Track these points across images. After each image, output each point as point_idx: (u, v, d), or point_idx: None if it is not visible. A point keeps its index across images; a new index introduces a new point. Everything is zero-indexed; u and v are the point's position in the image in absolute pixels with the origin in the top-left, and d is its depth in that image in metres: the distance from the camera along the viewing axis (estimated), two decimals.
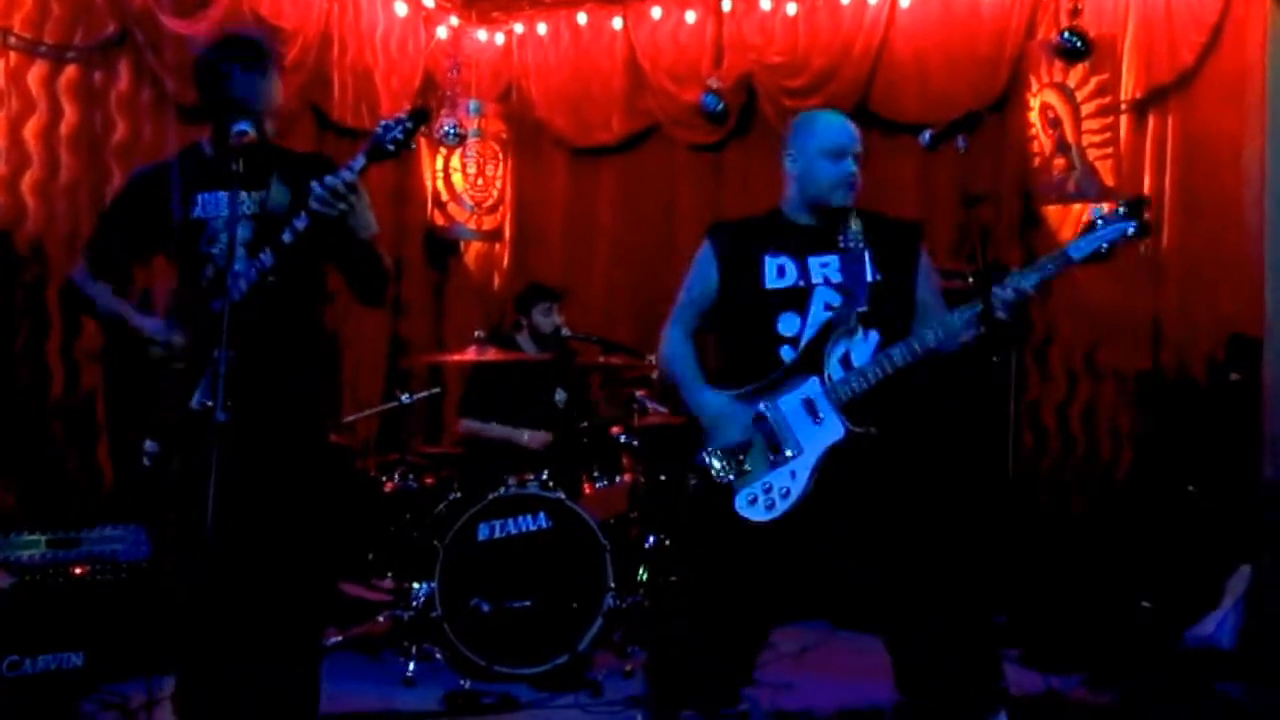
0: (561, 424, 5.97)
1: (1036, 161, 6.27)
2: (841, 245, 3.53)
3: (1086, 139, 6.07)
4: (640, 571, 5.58)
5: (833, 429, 3.38)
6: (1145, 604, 5.18)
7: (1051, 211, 6.30)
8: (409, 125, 3.24)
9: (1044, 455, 6.35)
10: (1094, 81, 6.04)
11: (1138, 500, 5.73)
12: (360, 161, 3.25)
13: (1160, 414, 5.95)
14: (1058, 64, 6.13)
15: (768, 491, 3.37)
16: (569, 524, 5.06)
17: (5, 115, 5.46)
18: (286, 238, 3.25)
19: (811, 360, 3.43)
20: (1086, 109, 6.06)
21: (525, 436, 5.80)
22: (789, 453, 3.39)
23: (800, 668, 5.14)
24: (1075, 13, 6.05)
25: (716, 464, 3.42)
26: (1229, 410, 5.57)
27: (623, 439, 5.80)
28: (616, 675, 4.97)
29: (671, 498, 5.61)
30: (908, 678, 3.43)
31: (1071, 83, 6.09)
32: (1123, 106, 6.06)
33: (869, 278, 3.50)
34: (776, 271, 3.52)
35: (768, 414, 3.43)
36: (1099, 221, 3.33)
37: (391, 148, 3.25)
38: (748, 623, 3.61)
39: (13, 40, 5.47)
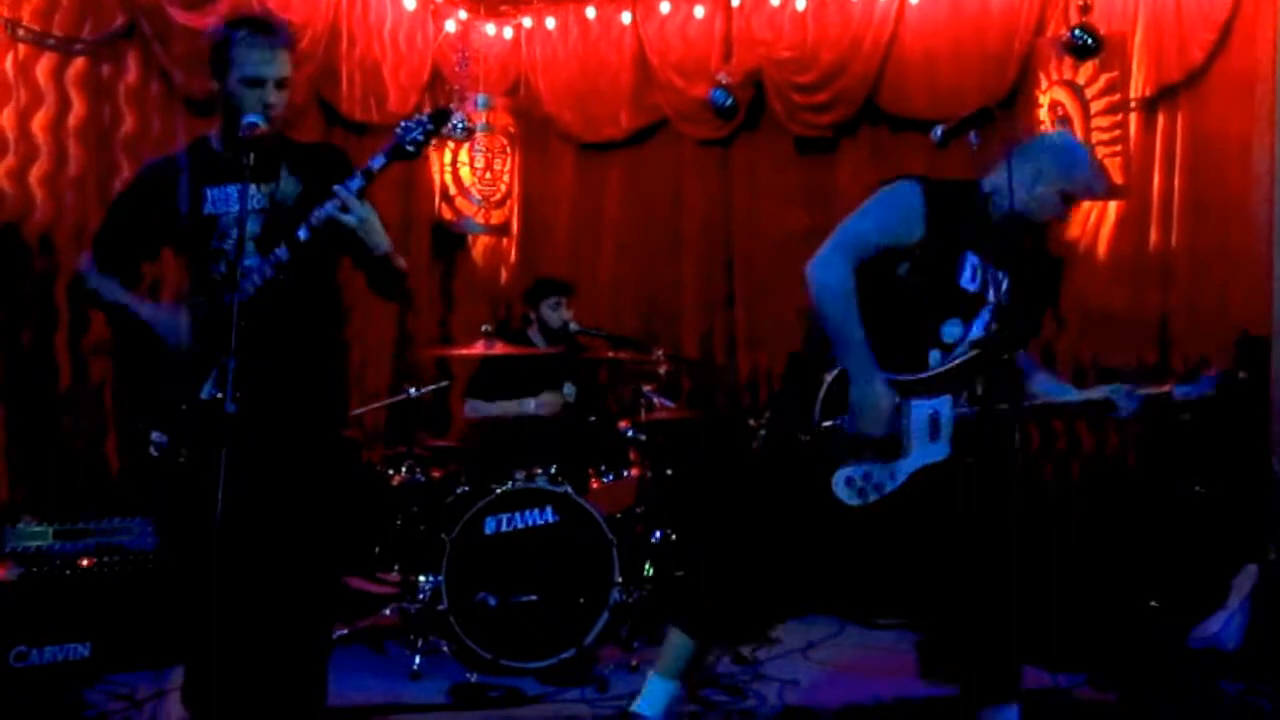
0: (569, 418, 5.96)
1: None
2: (1014, 269, 3.53)
3: (1095, 136, 6.05)
4: (647, 566, 5.59)
5: (941, 449, 3.46)
6: (1151, 603, 5.18)
7: None
8: (430, 127, 3.25)
9: (1051, 453, 6.34)
10: (1103, 79, 6.02)
11: (1144, 499, 5.72)
12: (380, 161, 3.25)
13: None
14: (1067, 61, 6.11)
15: (866, 479, 3.41)
16: (576, 518, 5.06)
17: (13, 107, 5.46)
18: (302, 234, 3.25)
19: (956, 380, 3.47)
20: (1096, 106, 6.04)
21: (532, 405, 5.73)
22: (900, 454, 3.43)
23: (806, 663, 5.14)
24: (1085, 10, 6.03)
25: (845, 439, 3.39)
26: (1236, 409, 5.55)
27: (630, 434, 5.80)
28: (623, 670, 4.97)
29: (693, 492, 5.59)
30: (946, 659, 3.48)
31: (1081, 80, 6.07)
32: (1132, 104, 6.04)
33: (1022, 313, 3.56)
34: (971, 273, 3.49)
35: (902, 412, 3.44)
36: (1204, 377, 3.66)
37: (411, 149, 3.26)
38: (798, 579, 3.68)
39: (21, 32, 5.47)
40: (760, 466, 3.72)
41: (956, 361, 3.46)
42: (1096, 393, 3.59)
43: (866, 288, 3.42)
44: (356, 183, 3.24)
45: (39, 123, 5.56)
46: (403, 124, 3.27)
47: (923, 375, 3.45)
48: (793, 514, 3.54)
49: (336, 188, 3.22)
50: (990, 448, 3.46)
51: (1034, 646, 4.91)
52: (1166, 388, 3.63)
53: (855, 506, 3.40)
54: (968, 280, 3.47)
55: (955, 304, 3.47)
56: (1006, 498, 3.32)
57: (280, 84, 3.35)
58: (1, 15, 5.40)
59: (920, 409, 3.43)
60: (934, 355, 3.47)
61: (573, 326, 6.02)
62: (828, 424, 3.41)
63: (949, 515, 3.44)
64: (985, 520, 3.38)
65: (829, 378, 3.42)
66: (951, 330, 3.48)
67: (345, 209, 3.20)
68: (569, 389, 5.97)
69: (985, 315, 3.49)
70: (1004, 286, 3.50)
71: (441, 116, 3.30)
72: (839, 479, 3.40)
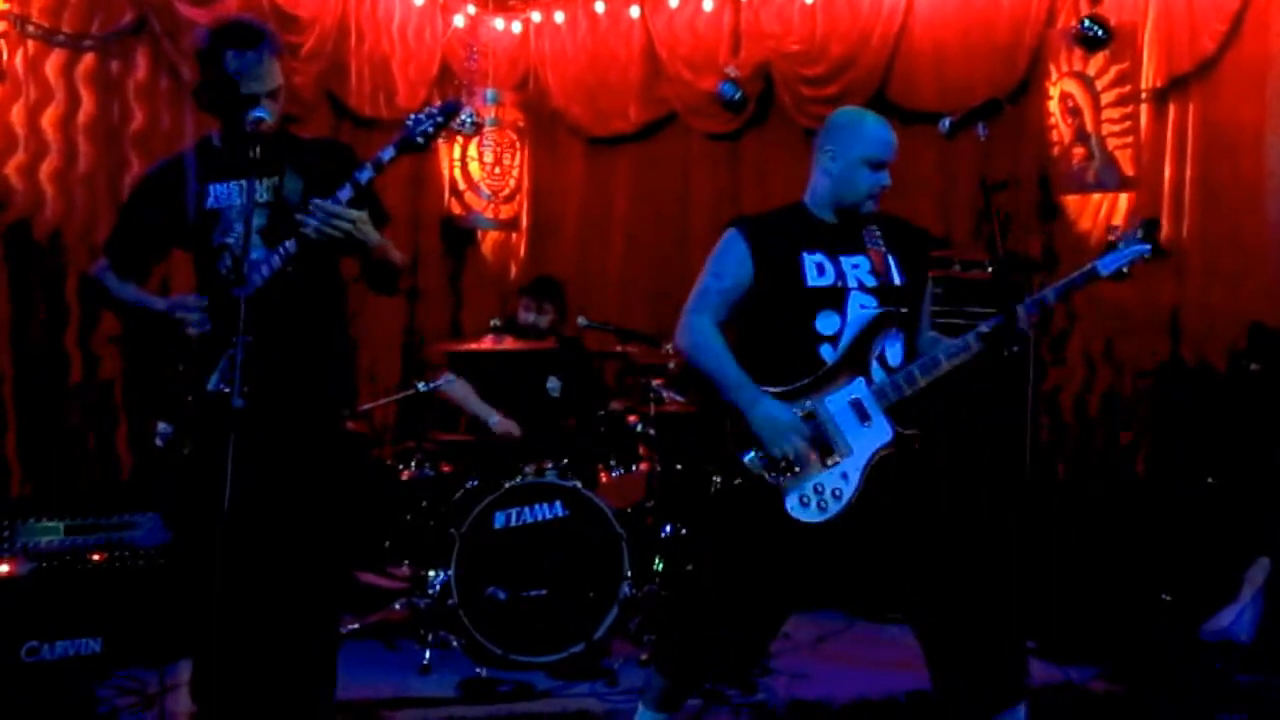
0: (555, 413, 5.95)
1: (1055, 151, 6.23)
2: (869, 246, 3.54)
3: (1106, 128, 6.02)
4: (656, 560, 5.58)
5: (881, 431, 3.40)
6: (1164, 596, 5.16)
7: (1070, 201, 6.27)
8: (440, 119, 3.25)
9: (1062, 445, 6.32)
10: (1114, 70, 5.99)
11: (1156, 491, 5.70)
12: (389, 153, 3.26)
13: (1179, 404, 5.92)
14: (1078, 52, 6.08)
15: (819, 493, 3.36)
16: (585, 513, 5.06)
17: (23, 104, 5.48)
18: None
19: (855, 360, 3.43)
20: (1106, 98, 6.02)
21: (494, 420, 5.75)
22: (839, 454, 3.39)
23: (817, 657, 5.14)
24: (1095, 1, 6.01)
25: (768, 468, 3.37)
26: (1249, 401, 5.54)
27: (639, 428, 5.79)
28: (632, 664, 4.97)
29: (699, 490, 5.59)
30: (939, 667, 3.42)
31: (1091, 71, 6.05)
32: (1143, 95, 6.01)
33: (898, 280, 3.51)
34: (816, 270, 3.48)
35: (817, 414, 3.41)
36: (1120, 242, 3.45)
37: (421, 141, 3.26)
38: (776, 611, 3.63)
39: (30, 29, 5.49)
40: (716, 516, 3.69)
41: (846, 345, 3.44)
42: (992, 321, 3.36)
43: (736, 342, 3.50)
44: (365, 174, 3.25)
45: (49, 119, 5.58)
46: (413, 116, 3.28)
47: (820, 373, 3.43)
48: (760, 553, 3.49)
49: (315, 201, 3.22)
50: (936, 413, 3.47)
51: (1047, 639, 4.92)
52: (1087, 266, 3.43)
53: (825, 521, 3.35)
54: (815, 277, 3.47)
55: (815, 302, 3.46)
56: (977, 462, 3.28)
57: (273, 94, 3.36)
58: (11, 12, 5.41)
59: (835, 401, 3.40)
60: (825, 349, 3.45)
61: (581, 321, 6.01)
62: (748, 458, 3.39)
63: (922, 496, 3.42)
64: (961, 493, 3.37)
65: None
66: (827, 323, 3.45)
67: (328, 224, 3.20)
68: (553, 384, 5.98)
69: (857, 299, 3.47)
70: (865, 268, 3.50)
71: (451, 109, 3.31)
72: (791, 503, 3.36)
